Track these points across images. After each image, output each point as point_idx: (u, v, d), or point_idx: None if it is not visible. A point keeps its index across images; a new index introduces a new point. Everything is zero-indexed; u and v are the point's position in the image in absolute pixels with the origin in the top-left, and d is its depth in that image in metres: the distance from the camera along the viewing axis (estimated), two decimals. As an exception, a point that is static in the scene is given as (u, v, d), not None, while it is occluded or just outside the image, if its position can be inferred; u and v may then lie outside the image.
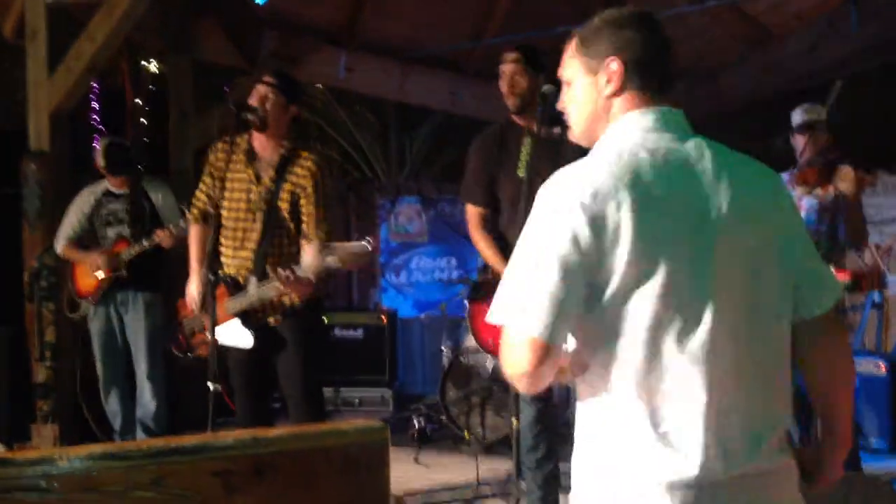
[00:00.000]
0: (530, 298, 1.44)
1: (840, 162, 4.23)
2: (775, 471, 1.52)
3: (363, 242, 3.12)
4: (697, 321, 1.45)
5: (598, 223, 1.42)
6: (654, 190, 1.46)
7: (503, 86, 3.53)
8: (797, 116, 4.41)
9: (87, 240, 4.82)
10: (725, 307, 1.47)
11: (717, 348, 1.46)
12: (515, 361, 1.47)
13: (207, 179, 3.62)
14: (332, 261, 3.11)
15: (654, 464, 1.45)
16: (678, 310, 1.45)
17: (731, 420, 1.47)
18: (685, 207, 1.48)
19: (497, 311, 1.50)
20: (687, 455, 1.44)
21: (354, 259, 3.13)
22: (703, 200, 1.49)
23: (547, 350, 1.43)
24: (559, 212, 1.45)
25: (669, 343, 1.45)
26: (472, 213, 3.64)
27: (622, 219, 1.42)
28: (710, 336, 1.45)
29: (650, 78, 1.60)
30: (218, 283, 3.39)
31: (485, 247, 3.58)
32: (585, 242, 1.42)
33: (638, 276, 1.43)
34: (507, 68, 3.53)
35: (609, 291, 1.44)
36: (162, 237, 4.55)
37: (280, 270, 3.21)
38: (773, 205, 1.57)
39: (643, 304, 1.44)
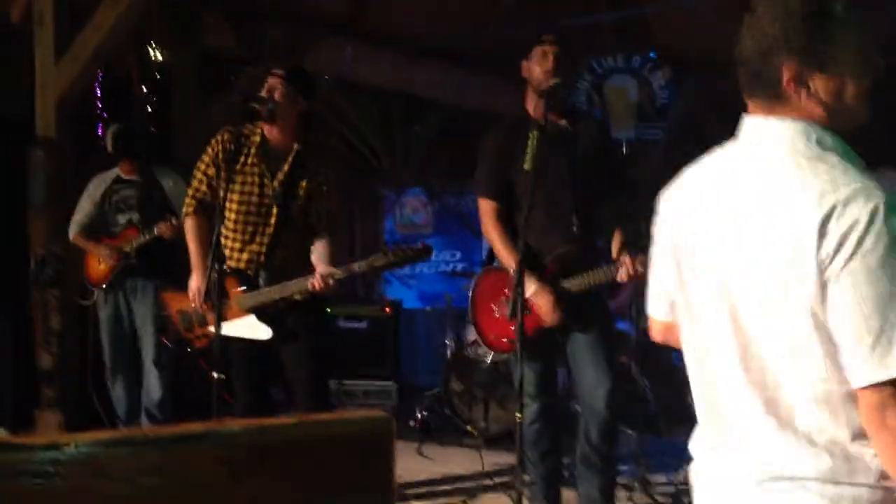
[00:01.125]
0: None
1: None
2: None
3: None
4: None
5: None
6: None
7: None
8: None
9: (98, 226, 4.82)
10: None
11: None
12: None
13: (211, 170, 3.50)
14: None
15: None
16: None
17: None
18: None
19: None
20: None
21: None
22: None
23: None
24: None
25: None
26: (487, 207, 3.46)
27: None
28: None
29: None
30: (225, 276, 3.30)
31: (499, 242, 3.39)
32: None
33: None
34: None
35: None
36: (163, 230, 4.54)
37: (321, 276, 3.31)
38: None
39: None
